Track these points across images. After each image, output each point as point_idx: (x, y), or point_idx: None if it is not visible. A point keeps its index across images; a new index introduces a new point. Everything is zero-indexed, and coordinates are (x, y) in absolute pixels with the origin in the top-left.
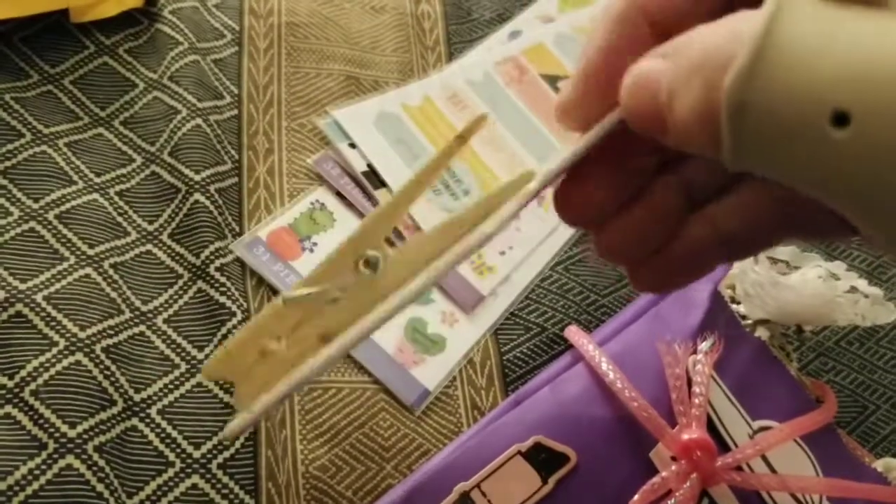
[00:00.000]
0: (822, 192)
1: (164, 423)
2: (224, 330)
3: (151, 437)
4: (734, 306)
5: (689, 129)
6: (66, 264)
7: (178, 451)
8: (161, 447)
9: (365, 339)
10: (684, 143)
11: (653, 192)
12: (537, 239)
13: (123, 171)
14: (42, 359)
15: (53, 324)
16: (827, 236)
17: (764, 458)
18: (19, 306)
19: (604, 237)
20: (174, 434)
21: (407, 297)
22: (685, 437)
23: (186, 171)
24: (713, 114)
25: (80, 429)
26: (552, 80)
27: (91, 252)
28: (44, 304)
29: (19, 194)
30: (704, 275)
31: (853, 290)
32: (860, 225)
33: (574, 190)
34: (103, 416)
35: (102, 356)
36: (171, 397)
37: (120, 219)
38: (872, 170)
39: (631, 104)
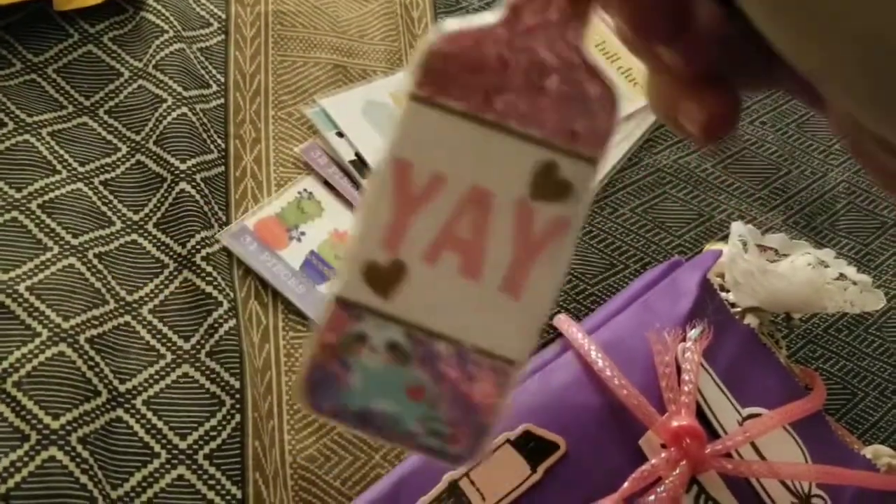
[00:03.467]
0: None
1: (149, 414)
2: (210, 320)
3: (136, 427)
4: (723, 294)
5: None
6: (49, 254)
7: (164, 441)
8: (146, 438)
9: None
10: None
11: None
12: None
13: (108, 160)
14: (25, 349)
15: (36, 314)
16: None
17: (753, 445)
18: (1, 297)
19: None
20: (160, 425)
21: None
22: (675, 424)
23: (172, 160)
24: None
25: (63, 420)
26: None
27: (75, 242)
28: (27, 295)
29: (1, 184)
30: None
31: (842, 277)
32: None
33: None
34: (87, 407)
35: (86, 347)
36: (156, 388)
37: (104, 208)
38: None
39: None
